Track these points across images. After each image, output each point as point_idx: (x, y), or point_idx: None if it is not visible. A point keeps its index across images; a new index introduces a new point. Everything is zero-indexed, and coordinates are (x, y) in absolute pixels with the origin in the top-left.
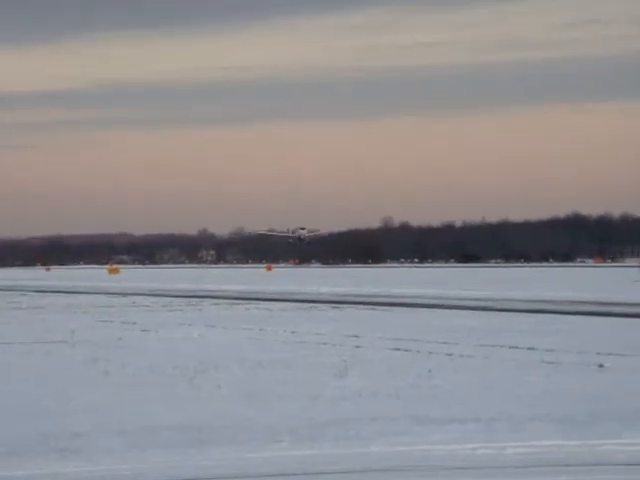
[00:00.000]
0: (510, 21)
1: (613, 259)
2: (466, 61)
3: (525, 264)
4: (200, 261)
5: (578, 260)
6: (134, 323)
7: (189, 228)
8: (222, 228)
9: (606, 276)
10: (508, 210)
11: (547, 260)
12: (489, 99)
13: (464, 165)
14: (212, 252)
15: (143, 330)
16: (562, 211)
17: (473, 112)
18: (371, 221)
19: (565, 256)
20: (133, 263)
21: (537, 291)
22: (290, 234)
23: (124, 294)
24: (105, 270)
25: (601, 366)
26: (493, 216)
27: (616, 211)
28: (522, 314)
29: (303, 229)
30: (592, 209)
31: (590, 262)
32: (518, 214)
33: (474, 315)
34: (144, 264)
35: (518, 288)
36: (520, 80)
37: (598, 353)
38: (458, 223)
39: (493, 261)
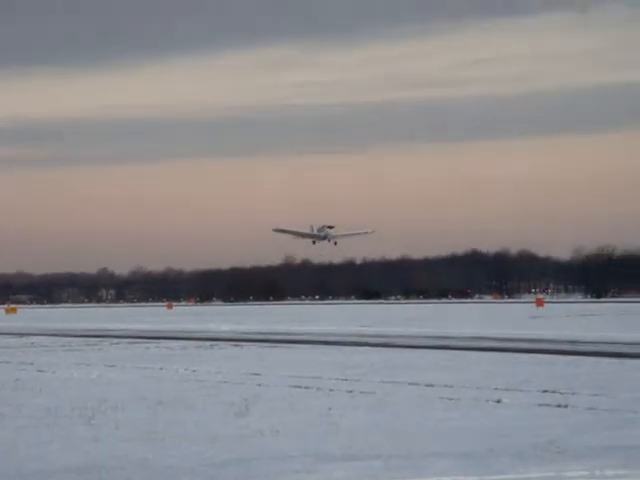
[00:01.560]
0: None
1: (510, 295)
2: (358, 100)
3: (425, 300)
4: (100, 300)
5: (476, 296)
6: (31, 363)
7: (88, 267)
8: (122, 267)
9: (503, 312)
10: (408, 247)
11: (446, 296)
12: (394, 138)
13: (364, 203)
14: (112, 291)
15: (40, 370)
16: (460, 248)
17: (376, 150)
18: (273, 258)
19: (464, 292)
20: (31, 303)
21: (436, 327)
22: (315, 232)
23: (21, 334)
24: (1, 310)
25: (499, 401)
26: (393, 253)
27: (513, 248)
28: (422, 350)
29: (332, 227)
30: (490, 246)
31: (488, 298)
32: (417, 251)
33: (375, 351)
34: (43, 304)
35: (418, 324)
36: (423, 118)
37: (496, 388)
38: (359, 260)
39: (393, 298)
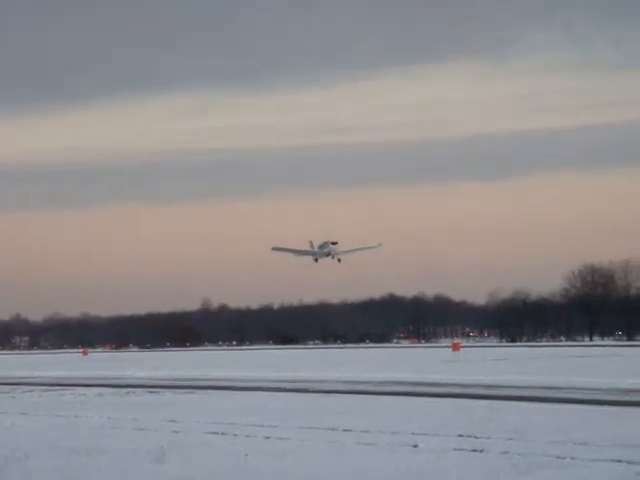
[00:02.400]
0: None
1: (427, 339)
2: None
3: (342, 345)
4: (13, 347)
5: (394, 341)
6: None
7: (1, 313)
8: (36, 313)
9: (420, 356)
10: (325, 292)
11: (364, 341)
12: (302, 183)
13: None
14: (25, 338)
15: None
16: (377, 293)
17: (285, 193)
18: (190, 303)
19: (381, 337)
20: None
21: (354, 372)
22: (316, 249)
23: None
24: None
25: (415, 446)
26: (310, 298)
27: (430, 292)
28: (339, 395)
29: (335, 243)
30: (407, 290)
31: (405, 343)
32: (335, 296)
33: (292, 397)
34: None
35: (335, 369)
36: (329, 164)
37: (412, 433)
38: (276, 305)
39: (311, 342)
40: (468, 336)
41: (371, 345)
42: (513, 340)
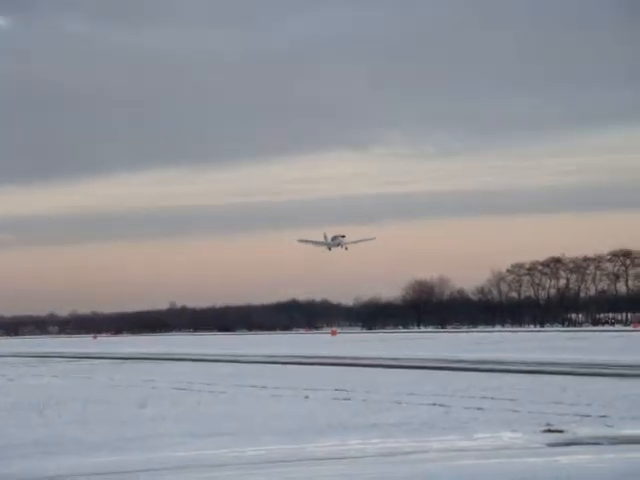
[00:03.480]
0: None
1: (316, 328)
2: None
3: (262, 332)
4: (48, 333)
5: (294, 329)
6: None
7: (39, 311)
8: (63, 310)
9: (311, 339)
10: (252, 296)
11: (275, 329)
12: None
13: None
14: (56, 327)
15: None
16: (284, 297)
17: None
18: (162, 304)
19: (285, 326)
20: None
21: (268, 350)
22: (329, 241)
23: None
24: None
25: (307, 397)
26: (243, 300)
27: (317, 297)
28: (258, 364)
29: (343, 236)
30: (302, 296)
31: (302, 331)
32: (258, 299)
33: (227, 365)
34: None
35: (256, 348)
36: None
37: (304, 389)
38: (219, 304)
39: (242, 331)
40: (342, 327)
41: (280, 332)
42: (370, 329)
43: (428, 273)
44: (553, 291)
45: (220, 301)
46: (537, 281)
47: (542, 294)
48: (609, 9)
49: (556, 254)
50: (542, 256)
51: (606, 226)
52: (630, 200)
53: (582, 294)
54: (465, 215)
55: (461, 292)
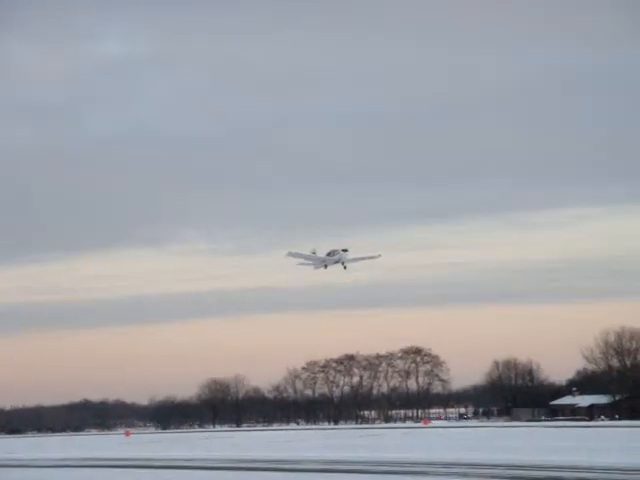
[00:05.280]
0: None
1: (110, 428)
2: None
3: (54, 434)
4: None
5: (86, 430)
6: None
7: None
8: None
9: (103, 441)
10: (43, 396)
11: (65, 431)
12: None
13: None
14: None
15: None
16: (76, 397)
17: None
18: None
19: (76, 427)
20: None
21: (55, 453)
22: (325, 257)
23: None
24: None
25: None
26: (32, 402)
27: (111, 397)
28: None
29: (345, 250)
30: (95, 396)
31: (94, 432)
32: (51, 400)
33: (17, 470)
34: None
35: (44, 451)
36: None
37: None
38: (7, 407)
39: (31, 433)
40: (135, 426)
41: (70, 434)
42: (165, 428)
43: (224, 371)
44: (347, 388)
45: (9, 403)
46: (331, 378)
47: (336, 391)
48: None
49: (350, 351)
50: (337, 353)
51: (398, 324)
52: (420, 298)
53: (375, 391)
54: (261, 312)
55: (257, 390)
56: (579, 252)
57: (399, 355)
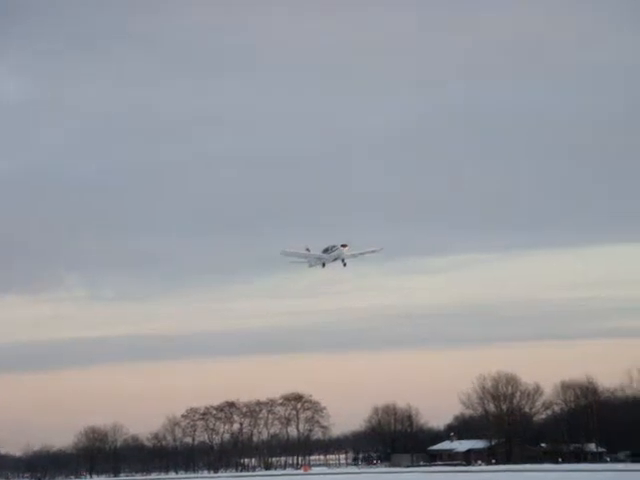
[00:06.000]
0: None
1: None
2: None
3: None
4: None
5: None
6: None
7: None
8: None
9: None
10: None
11: None
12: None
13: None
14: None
15: None
16: None
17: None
18: None
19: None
20: None
21: None
22: (322, 254)
23: None
24: None
25: None
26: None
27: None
28: None
29: (345, 246)
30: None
31: None
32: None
33: None
34: None
35: None
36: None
37: None
38: None
39: None
40: (10, 478)
41: None
42: (40, 479)
43: (102, 419)
44: (227, 435)
45: None
46: (211, 426)
47: (216, 439)
48: None
49: (231, 398)
50: (217, 400)
51: (279, 370)
52: (302, 344)
53: (255, 438)
54: (141, 359)
55: (135, 438)
56: (455, 299)
57: (280, 402)
